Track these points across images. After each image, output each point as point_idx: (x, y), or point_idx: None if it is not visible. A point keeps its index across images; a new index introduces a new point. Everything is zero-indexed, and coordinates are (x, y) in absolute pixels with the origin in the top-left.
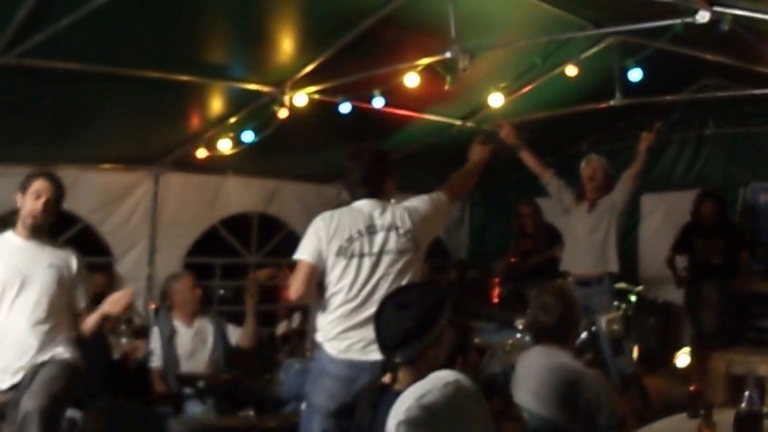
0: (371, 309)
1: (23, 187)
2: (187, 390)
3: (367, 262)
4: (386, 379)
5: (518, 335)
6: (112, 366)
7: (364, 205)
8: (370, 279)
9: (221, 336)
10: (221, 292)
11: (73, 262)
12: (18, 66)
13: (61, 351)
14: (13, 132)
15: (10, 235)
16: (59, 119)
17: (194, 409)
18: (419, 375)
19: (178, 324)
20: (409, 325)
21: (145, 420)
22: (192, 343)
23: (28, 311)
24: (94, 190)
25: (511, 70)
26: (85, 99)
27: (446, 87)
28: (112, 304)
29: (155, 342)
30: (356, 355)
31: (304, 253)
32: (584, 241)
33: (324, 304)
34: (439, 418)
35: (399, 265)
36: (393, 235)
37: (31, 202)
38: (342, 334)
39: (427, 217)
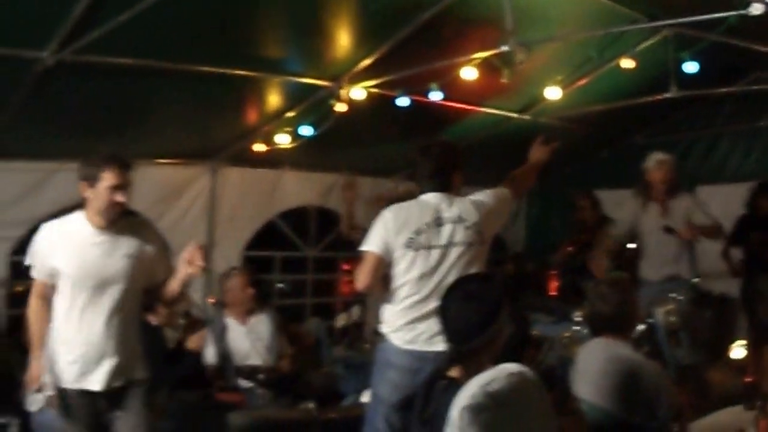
0: (438, 301)
1: (93, 176)
2: (247, 383)
3: (434, 254)
4: (450, 370)
5: (576, 328)
6: (169, 358)
7: (431, 198)
8: (437, 271)
9: (277, 332)
10: (279, 285)
11: (149, 243)
12: (75, 62)
13: (137, 370)
14: (71, 128)
15: (81, 223)
16: (117, 115)
17: (254, 402)
18: (481, 366)
19: (231, 321)
20: (477, 316)
21: (205, 413)
22: (246, 341)
23: (104, 307)
24: (152, 185)
25: (566, 63)
26: (142, 95)
27: (503, 80)
28: (188, 264)
29: (210, 338)
30: (422, 346)
31: (371, 244)
32: (661, 246)
33: (390, 296)
34: (502, 406)
35: (465, 258)
36: (460, 228)
37: (110, 193)
38: (408, 326)
39: (491, 211)
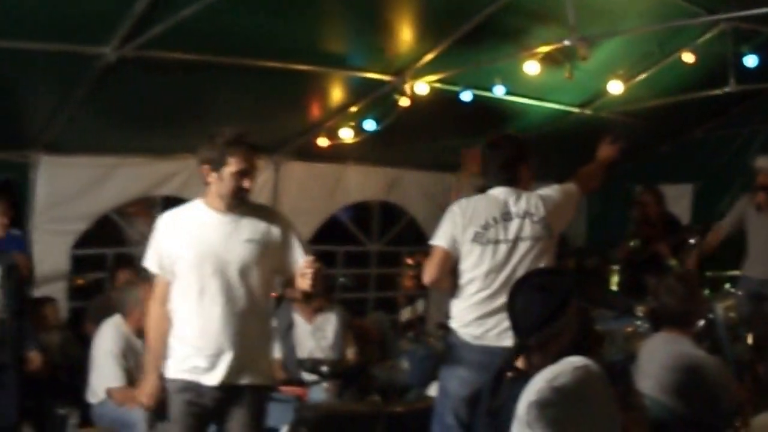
0: (507, 296)
1: (221, 161)
2: (312, 376)
3: (502, 249)
4: (518, 362)
5: (638, 323)
6: None
7: (499, 192)
8: (505, 265)
9: (343, 330)
10: (342, 279)
11: (276, 227)
12: (137, 58)
13: (262, 372)
14: (132, 123)
15: (200, 209)
16: (179, 110)
17: (318, 395)
18: (548, 360)
19: (298, 317)
20: (546, 308)
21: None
22: (311, 339)
23: (223, 296)
24: None
25: (627, 58)
26: (204, 90)
27: (566, 75)
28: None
29: (275, 332)
30: (491, 341)
31: (439, 239)
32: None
33: (459, 291)
34: (569, 400)
35: (534, 252)
36: (527, 222)
37: (237, 179)
38: (477, 321)
39: (559, 206)
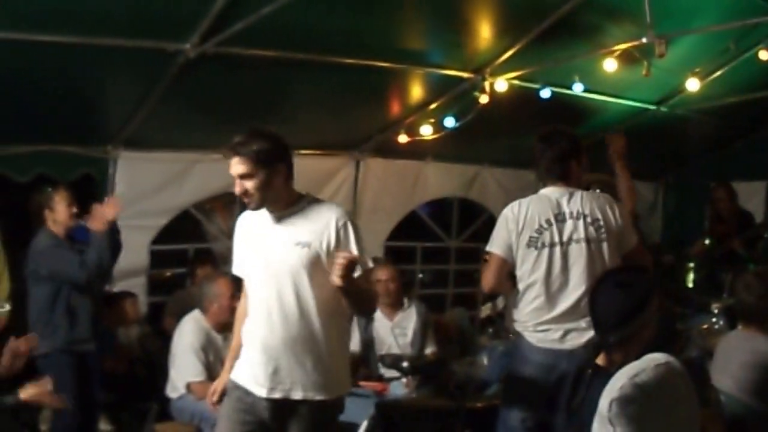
0: (567, 300)
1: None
2: (391, 372)
3: (558, 252)
4: (599, 359)
5: (713, 319)
6: None
7: (551, 192)
8: (563, 269)
9: (423, 326)
10: (421, 276)
11: (332, 227)
12: (217, 54)
13: (320, 386)
14: (212, 120)
15: (263, 211)
16: (258, 107)
17: (397, 390)
18: (629, 357)
19: (379, 314)
20: (627, 304)
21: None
22: (390, 336)
23: (275, 305)
24: (294, 175)
25: (703, 55)
26: (284, 86)
27: (644, 73)
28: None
29: (355, 327)
30: (555, 345)
31: (494, 245)
32: None
33: (519, 296)
34: (650, 397)
35: (590, 254)
36: (581, 223)
37: (237, 185)
38: (540, 326)
39: (611, 208)
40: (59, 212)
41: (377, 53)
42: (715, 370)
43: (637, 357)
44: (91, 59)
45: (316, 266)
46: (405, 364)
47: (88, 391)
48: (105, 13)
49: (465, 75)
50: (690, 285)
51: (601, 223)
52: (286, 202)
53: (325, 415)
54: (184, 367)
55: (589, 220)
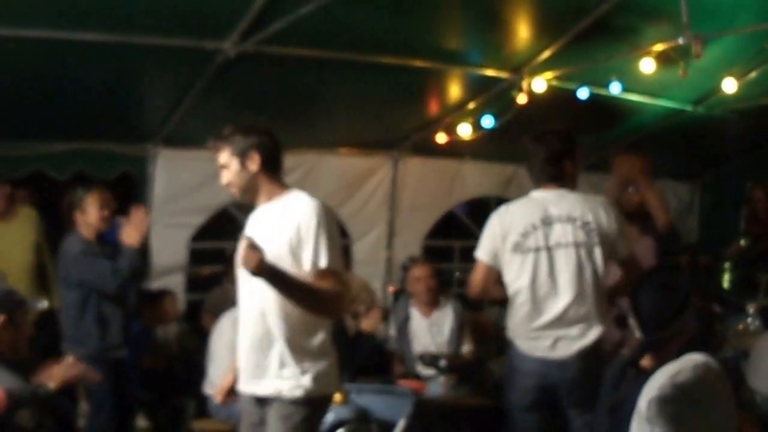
0: (555, 306)
1: None
2: (429, 371)
3: (543, 257)
4: (641, 359)
5: (749, 320)
6: (348, 346)
7: (541, 194)
8: (549, 274)
9: (459, 325)
10: (457, 274)
11: (297, 225)
12: (256, 53)
13: (290, 382)
14: (252, 117)
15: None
16: (298, 105)
17: (436, 389)
18: (669, 357)
19: (415, 312)
20: (669, 305)
21: (386, 399)
22: (427, 334)
23: (248, 302)
24: (332, 174)
25: (739, 55)
26: (323, 85)
27: (681, 73)
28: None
29: (392, 325)
30: (545, 353)
31: (480, 251)
32: None
33: (509, 303)
34: (689, 397)
35: (578, 259)
36: (570, 227)
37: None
38: (530, 334)
39: (608, 214)
40: (90, 215)
41: (416, 53)
42: (751, 371)
43: (676, 356)
44: (131, 58)
45: (287, 255)
46: (443, 362)
47: (123, 393)
48: (145, 11)
49: (503, 75)
50: (726, 285)
51: (593, 226)
52: (268, 196)
53: (284, 414)
54: (222, 364)
55: (579, 223)
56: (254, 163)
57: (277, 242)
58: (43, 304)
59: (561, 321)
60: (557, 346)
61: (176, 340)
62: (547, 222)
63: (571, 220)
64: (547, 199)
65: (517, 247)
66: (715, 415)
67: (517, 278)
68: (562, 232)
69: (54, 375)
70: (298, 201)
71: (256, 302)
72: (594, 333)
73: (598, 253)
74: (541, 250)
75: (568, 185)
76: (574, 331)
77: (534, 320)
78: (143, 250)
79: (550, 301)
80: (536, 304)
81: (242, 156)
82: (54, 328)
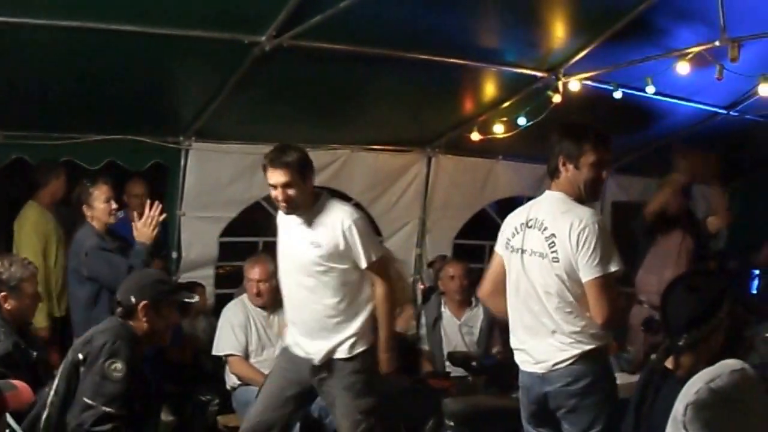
0: (530, 313)
1: (264, 168)
2: (457, 370)
3: (521, 259)
4: (668, 363)
5: None
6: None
7: (534, 198)
8: (526, 278)
9: (490, 326)
10: None
11: (338, 229)
12: (292, 47)
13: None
14: (286, 112)
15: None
16: (332, 101)
17: (465, 389)
18: (698, 361)
19: (447, 311)
20: (696, 309)
21: (418, 397)
22: (458, 334)
23: (294, 297)
24: (365, 170)
25: None
26: (358, 81)
27: (717, 76)
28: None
29: (422, 324)
30: (528, 367)
31: (496, 246)
32: None
33: None
34: (726, 403)
35: (542, 270)
36: (540, 235)
37: (271, 191)
38: (515, 343)
39: (575, 231)
40: (97, 209)
41: (452, 50)
42: None
43: (708, 362)
44: (166, 49)
45: (327, 262)
46: (475, 363)
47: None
48: (182, 3)
49: (539, 74)
50: (754, 291)
51: (555, 240)
52: (310, 203)
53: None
54: (222, 339)
55: (546, 233)
56: (311, 182)
57: (324, 245)
58: (194, 297)
59: (536, 330)
60: (535, 358)
61: (204, 334)
62: (528, 225)
63: (542, 228)
64: (537, 201)
65: (508, 246)
66: (751, 422)
67: (508, 278)
68: (534, 239)
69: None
70: (336, 206)
71: (301, 298)
72: (572, 349)
73: (561, 270)
74: (517, 252)
75: (563, 186)
76: (553, 342)
77: (517, 325)
78: (157, 242)
79: (526, 306)
80: (516, 308)
81: (305, 175)
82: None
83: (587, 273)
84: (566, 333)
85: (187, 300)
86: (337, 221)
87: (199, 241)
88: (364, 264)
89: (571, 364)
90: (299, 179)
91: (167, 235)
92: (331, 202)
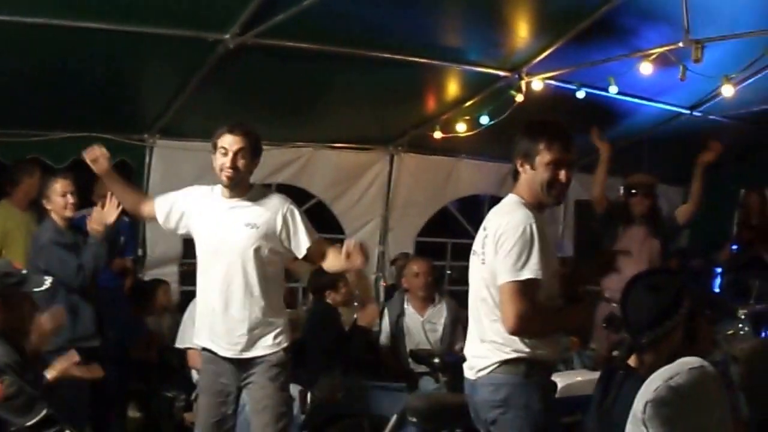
0: (470, 317)
1: (213, 145)
2: (421, 367)
3: (474, 261)
4: (630, 361)
5: (739, 325)
6: (341, 339)
7: (498, 196)
8: (470, 283)
9: (453, 322)
10: (449, 272)
11: (278, 214)
12: (256, 45)
13: (269, 346)
14: (249, 110)
15: (218, 192)
16: (295, 99)
17: (427, 385)
18: (661, 359)
19: (409, 308)
20: (657, 307)
21: (381, 394)
22: (421, 331)
23: (221, 281)
24: (328, 168)
25: (737, 61)
26: (322, 79)
27: (680, 77)
28: (347, 258)
29: (385, 321)
30: (467, 373)
31: None
32: None
33: None
34: (685, 400)
35: (474, 270)
36: (481, 234)
37: (219, 159)
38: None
39: (499, 237)
40: (54, 202)
41: (415, 48)
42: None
43: (669, 359)
44: (130, 47)
45: (263, 246)
46: (437, 360)
47: (100, 385)
48: (147, 1)
49: (502, 73)
50: (717, 290)
51: (486, 241)
52: (246, 188)
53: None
54: (186, 333)
55: (483, 234)
56: (256, 164)
57: (262, 228)
58: (47, 282)
59: (474, 334)
60: (472, 363)
61: (169, 331)
62: (483, 228)
63: (485, 230)
64: (495, 207)
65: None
66: (711, 419)
67: None
68: (477, 240)
69: (55, 368)
70: (273, 194)
71: (234, 281)
72: (492, 356)
73: (485, 270)
74: (473, 255)
75: (522, 190)
76: (484, 349)
77: (471, 328)
78: (111, 239)
79: (470, 313)
80: (469, 310)
81: (255, 153)
82: None
83: (500, 276)
84: (489, 340)
85: (35, 289)
86: (278, 204)
87: (164, 238)
88: (306, 244)
89: (491, 372)
90: (251, 153)
91: (134, 237)
92: (266, 191)
